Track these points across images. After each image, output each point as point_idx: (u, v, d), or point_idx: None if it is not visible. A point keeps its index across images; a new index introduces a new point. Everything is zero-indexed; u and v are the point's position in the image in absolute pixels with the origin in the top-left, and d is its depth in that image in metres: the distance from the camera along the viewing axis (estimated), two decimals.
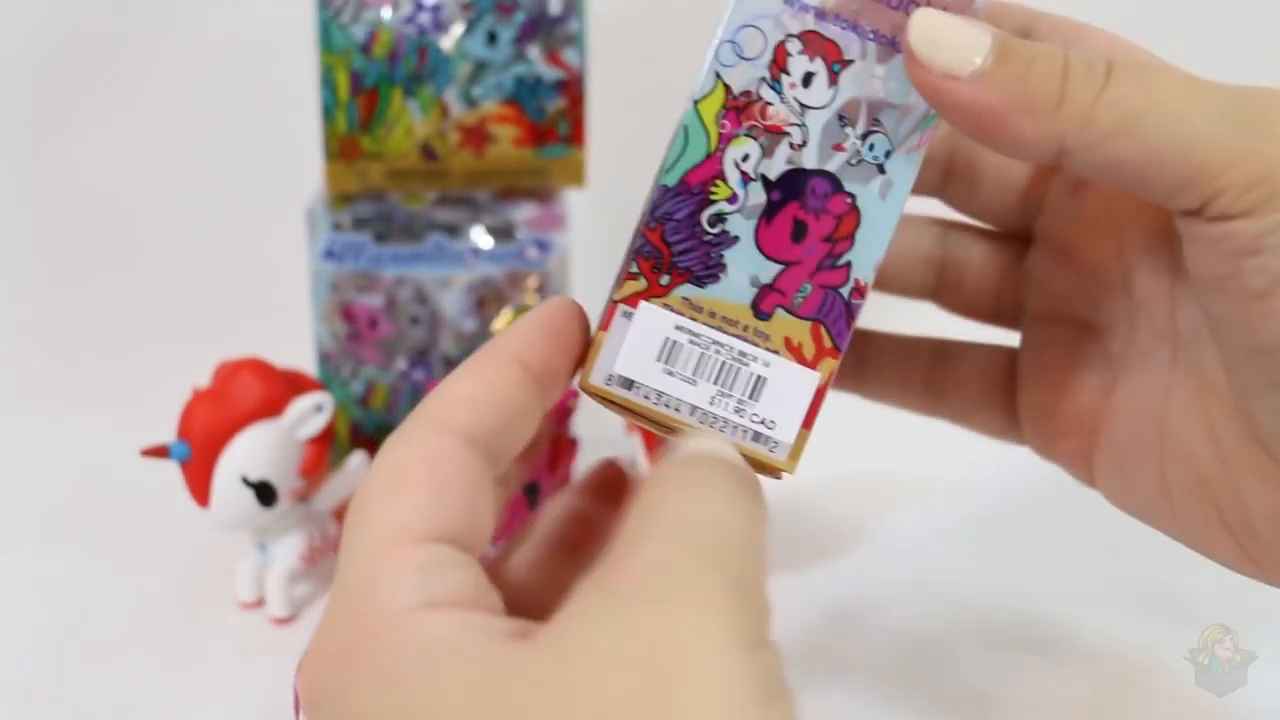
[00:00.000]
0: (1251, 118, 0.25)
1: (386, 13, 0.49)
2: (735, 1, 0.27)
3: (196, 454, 0.42)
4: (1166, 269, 0.30)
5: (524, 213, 0.50)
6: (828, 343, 0.27)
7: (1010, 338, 0.36)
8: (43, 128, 0.74)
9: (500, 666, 0.21)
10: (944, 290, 0.37)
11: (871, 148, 0.27)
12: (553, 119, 0.50)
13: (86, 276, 0.74)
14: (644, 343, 0.27)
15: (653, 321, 0.27)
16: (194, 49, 0.73)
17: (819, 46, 0.27)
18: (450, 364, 0.51)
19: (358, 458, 0.48)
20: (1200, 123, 0.25)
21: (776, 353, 0.27)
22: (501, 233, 0.50)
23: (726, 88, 0.27)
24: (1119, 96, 0.25)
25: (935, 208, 0.36)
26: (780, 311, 0.27)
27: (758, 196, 0.27)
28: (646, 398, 0.27)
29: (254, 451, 0.42)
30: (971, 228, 0.36)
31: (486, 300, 0.51)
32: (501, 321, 0.51)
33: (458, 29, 0.49)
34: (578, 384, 0.28)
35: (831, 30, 0.27)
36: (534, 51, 0.49)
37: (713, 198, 0.27)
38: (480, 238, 0.50)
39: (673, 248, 0.27)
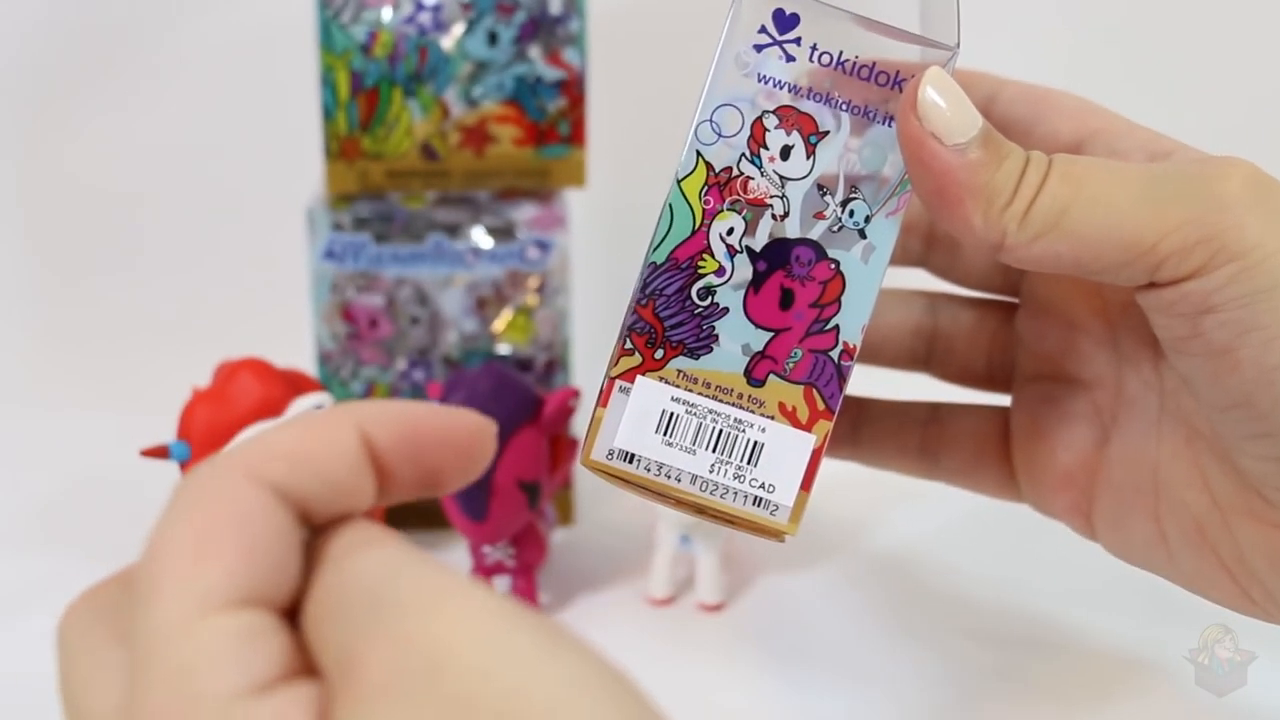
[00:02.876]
0: (1174, 191, 0.26)
1: (387, 13, 0.49)
2: (710, 82, 0.28)
3: (197, 454, 0.42)
4: (1147, 324, 0.30)
5: (524, 213, 0.50)
6: (821, 405, 0.28)
7: (1002, 400, 0.36)
8: (43, 127, 0.74)
9: None
10: (936, 360, 0.37)
11: (851, 214, 0.28)
12: (553, 119, 0.50)
13: (86, 276, 0.74)
14: (642, 416, 0.28)
15: (650, 395, 0.28)
16: (194, 49, 0.73)
17: (795, 120, 0.28)
18: (450, 364, 0.51)
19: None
20: (1125, 205, 0.26)
21: (772, 418, 0.28)
22: (502, 233, 0.50)
23: (708, 165, 0.28)
24: (1049, 195, 0.27)
25: (920, 279, 0.37)
26: (773, 377, 0.28)
27: (744, 268, 0.28)
28: (648, 470, 0.28)
29: None
30: (958, 296, 0.37)
31: (487, 300, 0.51)
32: (501, 322, 0.51)
33: (458, 29, 0.49)
34: (580, 460, 0.29)
35: (806, 105, 0.28)
36: (534, 51, 0.49)
37: (701, 271, 0.28)
38: (480, 238, 0.50)
39: (665, 322, 0.28)
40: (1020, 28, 0.69)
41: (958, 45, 0.27)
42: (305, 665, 0.20)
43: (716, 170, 0.28)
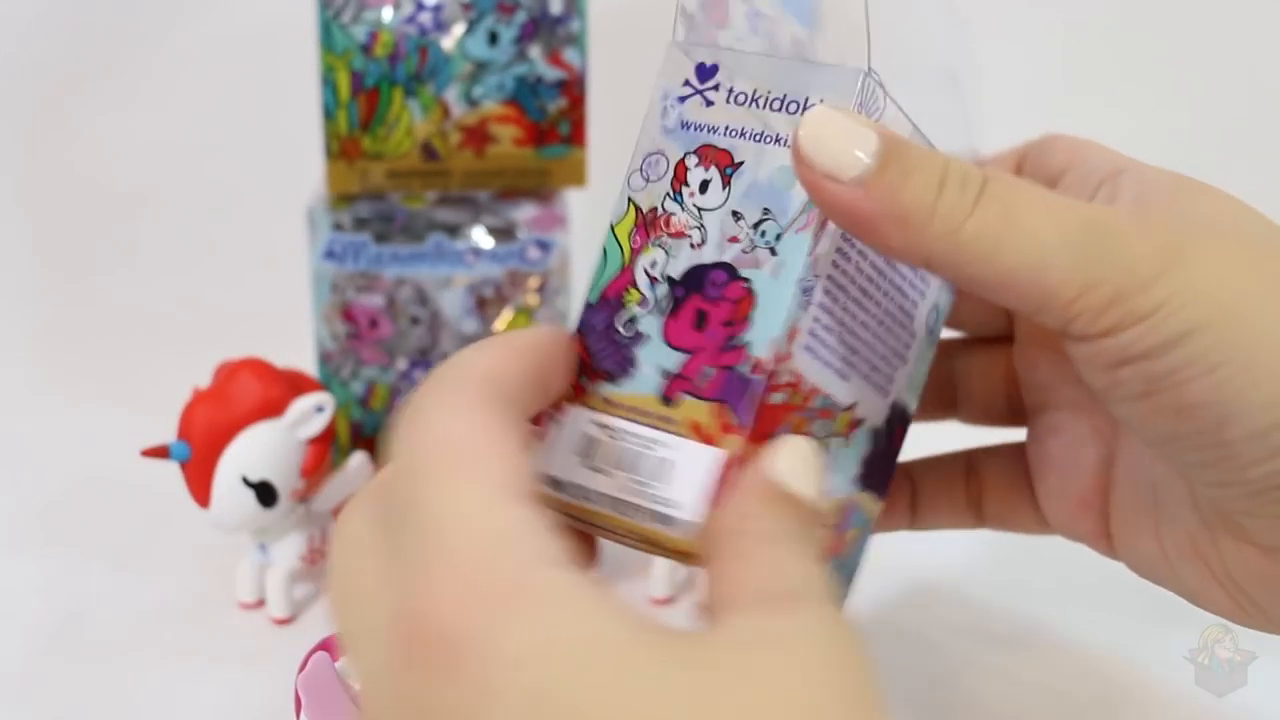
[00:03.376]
0: (1097, 242, 0.26)
1: (387, 13, 0.49)
2: (641, 134, 0.30)
3: (197, 454, 0.42)
4: None
5: (525, 213, 0.50)
6: (731, 420, 0.28)
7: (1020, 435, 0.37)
8: (43, 127, 0.74)
9: (687, 656, 0.20)
10: (962, 405, 0.38)
11: (763, 234, 0.28)
12: (554, 119, 0.50)
13: (87, 276, 0.74)
14: (568, 443, 0.28)
15: (574, 422, 0.29)
16: (194, 49, 0.73)
17: (713, 157, 0.29)
18: None
19: (358, 458, 0.48)
20: (1052, 249, 0.26)
21: (682, 436, 0.28)
22: (502, 233, 0.50)
23: (637, 209, 0.29)
24: (982, 223, 0.26)
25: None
26: (685, 397, 0.28)
27: (664, 295, 0.29)
28: (573, 496, 0.28)
29: (254, 452, 0.42)
30: (967, 340, 0.38)
31: (487, 300, 0.51)
32: (501, 322, 0.51)
33: (459, 29, 0.49)
34: None
35: (723, 141, 0.29)
36: (535, 51, 0.49)
37: (626, 303, 0.29)
38: (481, 238, 0.50)
39: (593, 354, 0.29)
40: (1020, 28, 0.69)
41: (869, 69, 0.28)
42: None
43: (644, 211, 0.29)
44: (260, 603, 0.45)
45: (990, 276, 0.27)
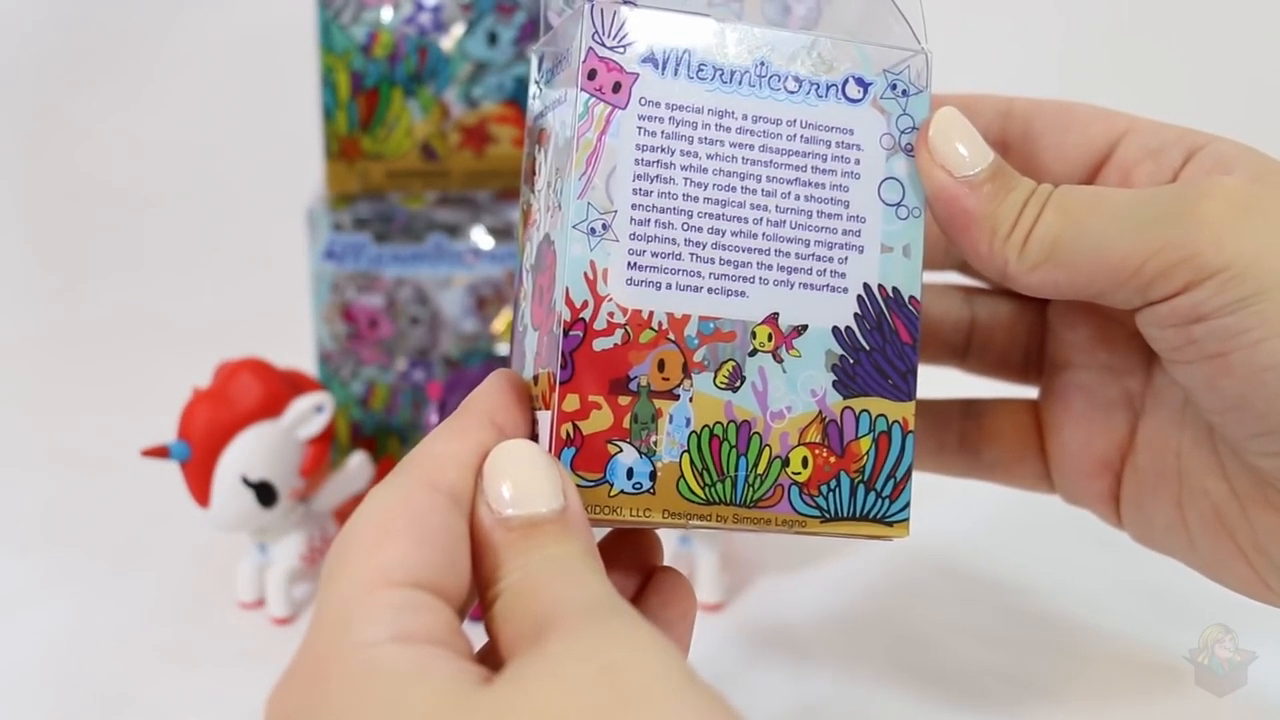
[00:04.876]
0: (1156, 214, 0.28)
1: (387, 13, 0.49)
2: None
3: (197, 454, 0.42)
4: None
5: None
6: (556, 379, 0.28)
7: (1029, 393, 0.37)
8: (43, 127, 0.74)
9: (468, 699, 0.21)
10: (973, 352, 0.38)
11: (558, 192, 0.29)
12: None
13: (87, 276, 0.74)
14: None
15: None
16: (194, 49, 0.73)
17: (541, 138, 0.30)
18: (450, 364, 0.51)
19: (358, 458, 0.48)
20: (1111, 232, 0.28)
21: (540, 409, 0.28)
22: (502, 233, 0.50)
23: (522, 212, 0.31)
24: (1042, 226, 0.29)
25: (956, 277, 0.37)
26: (540, 371, 0.29)
27: (530, 283, 0.30)
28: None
29: (254, 452, 0.42)
30: (995, 290, 0.38)
31: (487, 300, 0.51)
32: (502, 322, 0.51)
33: (458, 29, 0.49)
34: None
35: (546, 121, 0.30)
36: None
37: (520, 304, 0.31)
38: (480, 238, 0.50)
39: (511, 352, 0.31)
40: (1019, 28, 0.69)
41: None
42: (466, 651, 0.23)
43: (522, 211, 0.31)
44: (260, 602, 0.45)
45: (1061, 275, 0.29)
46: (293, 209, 0.55)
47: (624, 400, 0.28)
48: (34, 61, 0.72)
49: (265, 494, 0.43)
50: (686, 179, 0.28)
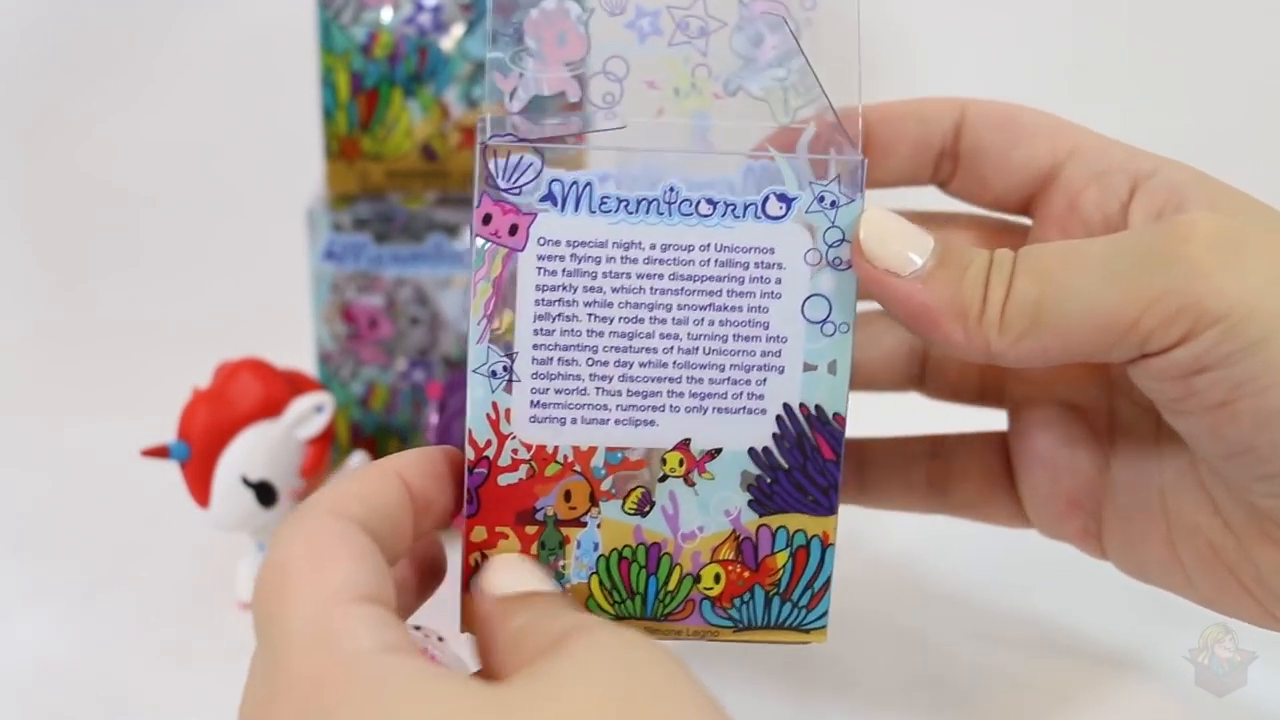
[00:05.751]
0: (1140, 262, 0.26)
1: (387, 13, 0.49)
2: None
3: (196, 454, 0.42)
4: None
5: None
6: (464, 512, 0.29)
7: (998, 420, 0.36)
8: (42, 127, 0.74)
9: (498, 695, 0.21)
10: (930, 379, 0.37)
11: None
12: None
13: (86, 276, 0.74)
14: None
15: None
16: (194, 49, 0.73)
17: None
18: (450, 364, 0.51)
19: (358, 458, 0.48)
20: (1096, 289, 0.26)
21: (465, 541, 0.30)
22: None
23: None
24: (1019, 295, 0.27)
25: None
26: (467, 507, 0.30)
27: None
28: None
29: (254, 452, 0.42)
30: None
31: None
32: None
33: (458, 30, 0.49)
34: None
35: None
36: None
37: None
38: None
39: None
40: (1020, 28, 0.69)
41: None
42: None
43: None
44: None
45: (1049, 341, 0.27)
46: (292, 209, 0.55)
47: (531, 529, 0.29)
48: (34, 61, 0.72)
49: (265, 494, 0.43)
50: (590, 314, 0.28)
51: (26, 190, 0.74)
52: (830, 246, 0.28)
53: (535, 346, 0.28)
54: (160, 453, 0.42)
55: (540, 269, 0.28)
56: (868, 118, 0.32)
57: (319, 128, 0.49)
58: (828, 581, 0.30)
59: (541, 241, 0.28)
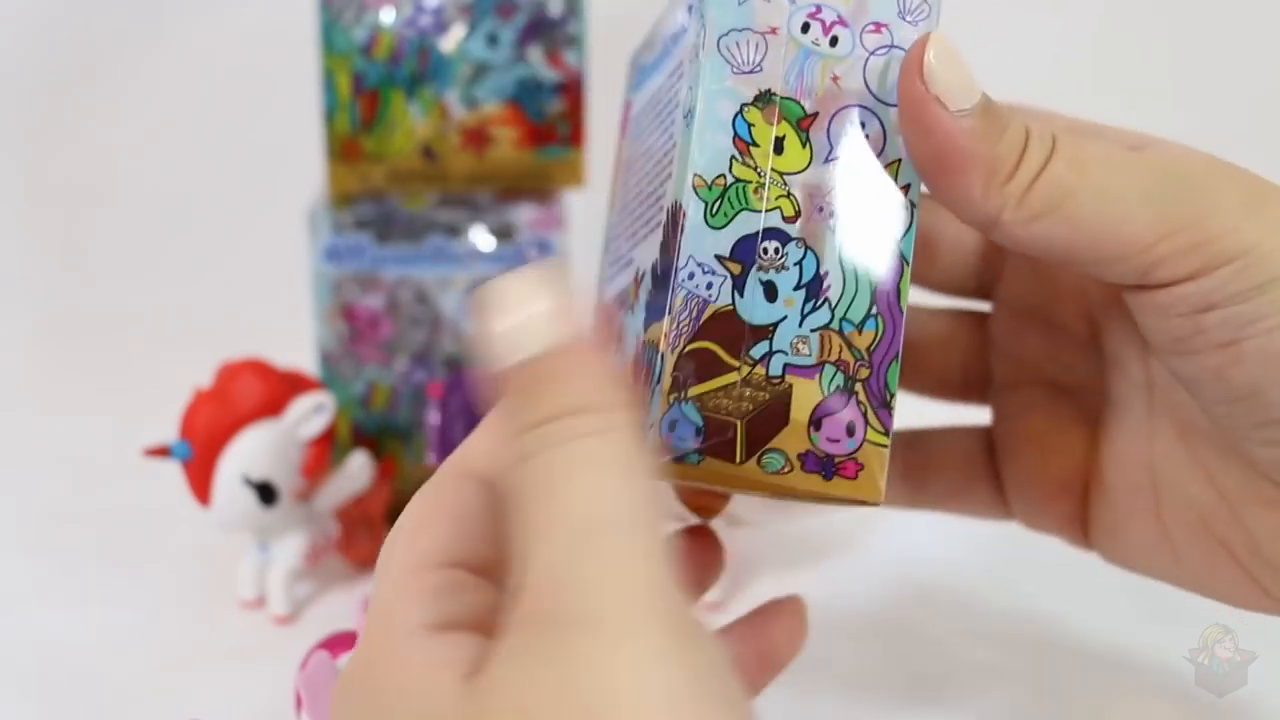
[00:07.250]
0: (1177, 189, 0.26)
1: (388, 15, 0.49)
2: None
3: (198, 454, 0.42)
4: (1132, 322, 0.30)
5: (524, 214, 0.50)
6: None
7: (980, 414, 0.36)
8: (43, 128, 0.74)
9: (440, 708, 0.22)
10: (911, 374, 0.36)
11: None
12: (553, 120, 0.50)
13: (86, 276, 0.74)
14: None
15: None
16: (195, 50, 0.73)
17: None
18: (451, 364, 0.51)
19: (359, 458, 0.48)
20: (1129, 199, 0.26)
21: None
22: (502, 234, 0.50)
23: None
24: (1053, 175, 0.26)
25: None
26: None
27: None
28: None
29: (255, 451, 0.42)
30: (924, 308, 0.36)
31: None
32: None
33: (458, 31, 0.49)
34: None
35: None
36: (534, 53, 0.49)
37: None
38: (481, 239, 0.50)
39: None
40: (1018, 28, 0.69)
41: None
42: (498, 622, 0.22)
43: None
44: (261, 601, 0.45)
45: (1060, 230, 0.26)
46: (294, 210, 0.55)
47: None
48: (34, 61, 0.72)
49: (266, 493, 0.43)
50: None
51: (28, 190, 0.74)
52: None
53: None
54: (162, 452, 0.42)
55: None
56: None
57: (320, 129, 0.50)
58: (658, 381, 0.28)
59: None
